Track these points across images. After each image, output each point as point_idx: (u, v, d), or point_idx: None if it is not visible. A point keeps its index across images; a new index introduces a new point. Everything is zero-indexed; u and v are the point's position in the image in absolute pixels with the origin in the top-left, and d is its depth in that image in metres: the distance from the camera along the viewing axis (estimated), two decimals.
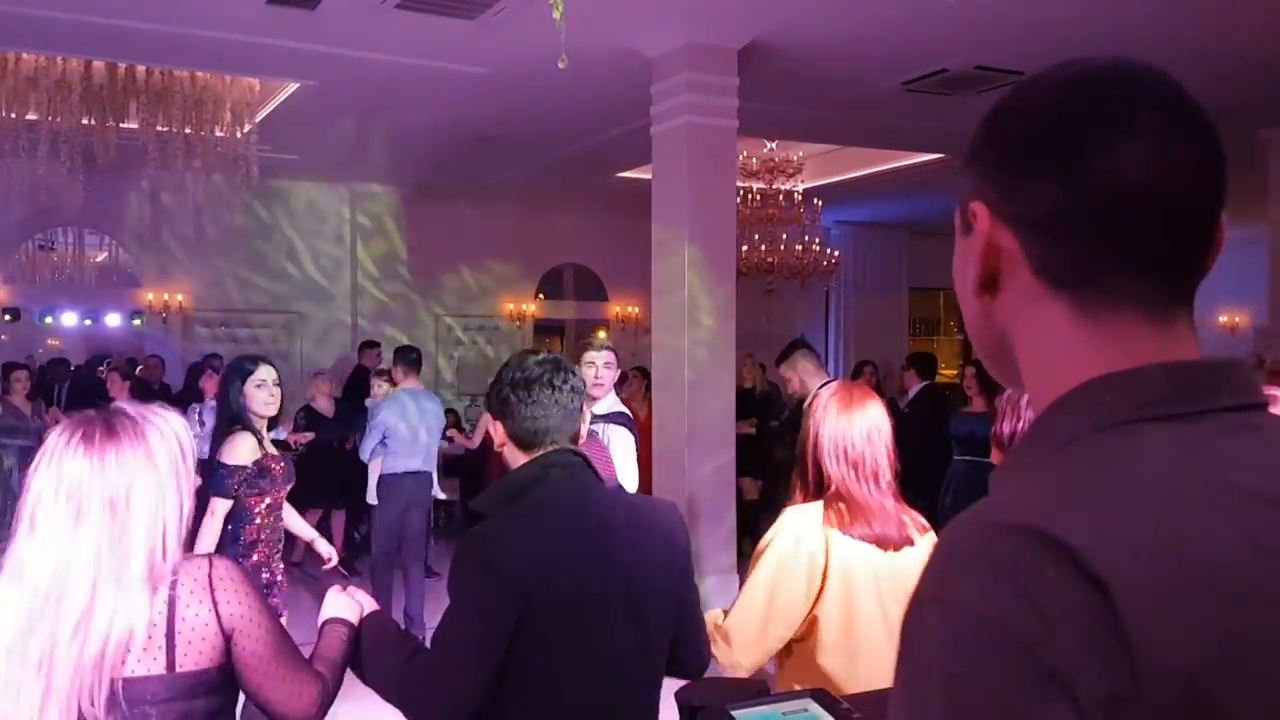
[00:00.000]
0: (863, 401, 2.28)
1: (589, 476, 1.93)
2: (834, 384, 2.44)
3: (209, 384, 7.53)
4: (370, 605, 2.04)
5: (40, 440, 1.75)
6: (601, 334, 13.48)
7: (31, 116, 7.14)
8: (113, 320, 11.26)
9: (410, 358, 6.73)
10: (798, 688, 1.98)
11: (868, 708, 1.52)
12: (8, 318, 11.03)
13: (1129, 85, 0.70)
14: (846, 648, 2.18)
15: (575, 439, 1.97)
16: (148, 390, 8.91)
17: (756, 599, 2.17)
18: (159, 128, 7.38)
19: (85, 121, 7.22)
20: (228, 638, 1.70)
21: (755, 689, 1.66)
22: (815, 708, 1.52)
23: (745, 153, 9.22)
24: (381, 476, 6.45)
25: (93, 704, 1.59)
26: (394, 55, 6.51)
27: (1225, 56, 6.24)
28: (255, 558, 3.75)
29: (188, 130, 7.40)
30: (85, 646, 1.60)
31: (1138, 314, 0.70)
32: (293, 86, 7.43)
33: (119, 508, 1.64)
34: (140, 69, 7.05)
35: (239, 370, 3.90)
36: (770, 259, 10.14)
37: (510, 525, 1.87)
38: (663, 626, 1.92)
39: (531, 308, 12.62)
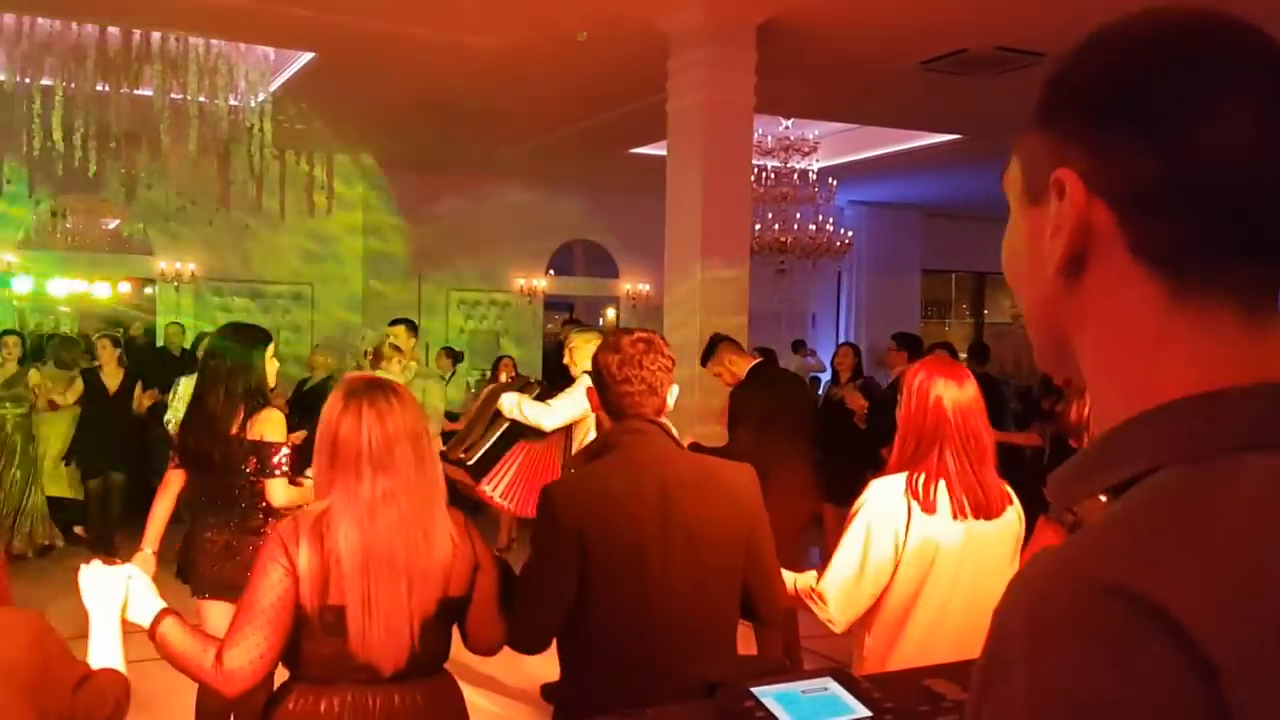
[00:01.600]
0: (961, 378, 2.40)
1: (662, 442, 2.17)
2: (928, 361, 2.53)
3: None
4: None
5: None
6: (610, 313, 13.45)
7: (46, 82, 7.13)
8: (124, 288, 11.26)
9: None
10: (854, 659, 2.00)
11: (887, 687, 1.52)
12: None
13: (1227, 43, 0.63)
14: (915, 618, 2.32)
15: (658, 410, 2.19)
16: (169, 356, 8.97)
17: (849, 560, 2.34)
18: (173, 95, 7.36)
19: (100, 88, 7.20)
20: (476, 574, 2.06)
21: (775, 666, 1.66)
22: (835, 686, 1.52)
23: (760, 130, 9.16)
24: None
25: (421, 620, 1.94)
26: (407, 26, 6.47)
27: None
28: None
29: (201, 98, 7.39)
30: (433, 565, 1.96)
31: (1238, 305, 0.63)
32: (306, 56, 7.39)
33: (428, 449, 2.02)
34: (155, 36, 7.02)
35: (259, 339, 3.55)
36: (783, 238, 10.10)
37: (575, 481, 2.26)
38: (726, 572, 2.14)
39: (542, 284, 12.58)
